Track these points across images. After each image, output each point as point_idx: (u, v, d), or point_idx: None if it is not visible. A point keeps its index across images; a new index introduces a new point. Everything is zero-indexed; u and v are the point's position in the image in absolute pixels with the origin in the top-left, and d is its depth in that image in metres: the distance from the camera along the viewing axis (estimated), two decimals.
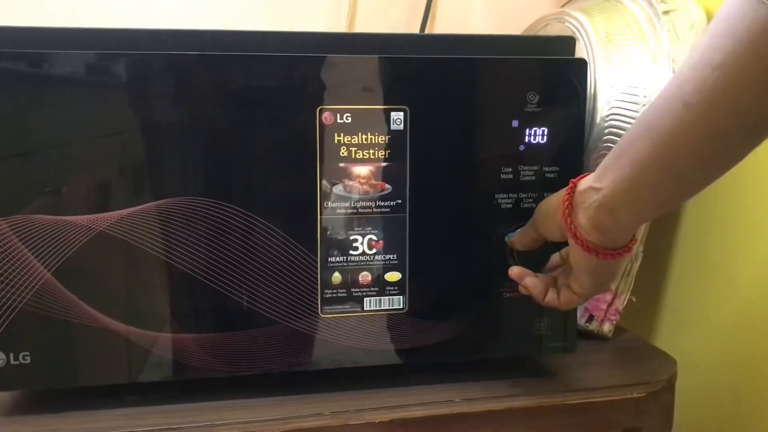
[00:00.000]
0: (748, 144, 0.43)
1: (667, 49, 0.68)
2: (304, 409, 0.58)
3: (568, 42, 0.64)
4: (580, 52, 0.68)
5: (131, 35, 0.56)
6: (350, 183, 0.58)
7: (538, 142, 0.60)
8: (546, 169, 0.61)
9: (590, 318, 0.75)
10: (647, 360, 0.71)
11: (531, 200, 0.61)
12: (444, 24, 0.93)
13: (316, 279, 0.59)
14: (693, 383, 0.77)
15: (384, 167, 0.59)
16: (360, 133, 0.58)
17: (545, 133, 0.60)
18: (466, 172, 0.60)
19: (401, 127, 0.58)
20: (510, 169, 0.61)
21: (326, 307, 0.60)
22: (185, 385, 0.60)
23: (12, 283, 0.54)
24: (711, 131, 0.42)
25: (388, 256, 0.60)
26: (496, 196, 0.61)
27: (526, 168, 0.61)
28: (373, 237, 0.59)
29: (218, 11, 0.87)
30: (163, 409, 0.58)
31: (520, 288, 0.59)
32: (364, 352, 0.61)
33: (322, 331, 0.60)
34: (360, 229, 0.59)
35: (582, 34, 0.70)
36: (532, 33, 0.80)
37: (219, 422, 0.56)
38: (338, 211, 0.58)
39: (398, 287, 0.61)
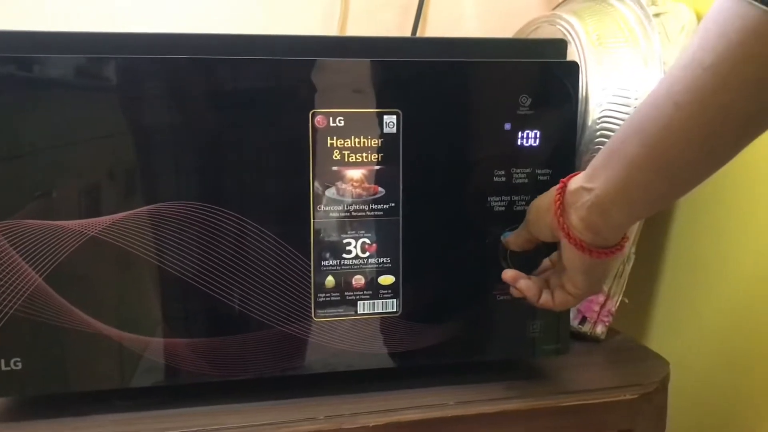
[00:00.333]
0: (738, 143, 0.44)
1: (658, 52, 0.68)
2: (297, 414, 0.57)
3: (560, 45, 0.64)
4: (572, 54, 0.68)
5: (122, 39, 0.56)
6: (343, 186, 0.58)
7: (531, 145, 0.61)
8: (538, 171, 0.61)
9: (583, 320, 0.75)
10: (640, 361, 0.71)
11: (524, 203, 0.61)
12: (435, 27, 0.93)
13: (309, 283, 0.59)
14: (686, 384, 0.77)
15: (377, 170, 0.59)
16: (353, 137, 0.58)
17: (537, 135, 0.61)
18: (458, 175, 0.60)
19: (394, 130, 0.58)
20: (503, 172, 0.61)
21: (319, 311, 0.59)
22: (178, 390, 0.59)
23: (3, 288, 0.54)
24: (701, 131, 0.43)
25: (381, 260, 0.60)
26: (489, 198, 0.61)
27: (518, 171, 0.61)
28: (367, 240, 0.59)
29: (218, 12, 0.87)
30: (155, 414, 0.57)
31: (513, 291, 0.59)
32: (357, 355, 0.61)
33: (316, 335, 0.60)
34: (353, 232, 0.59)
35: (573, 36, 0.70)
36: (523, 36, 0.80)
37: (212, 427, 0.55)
38: (331, 214, 0.58)
39: (392, 290, 0.61)
